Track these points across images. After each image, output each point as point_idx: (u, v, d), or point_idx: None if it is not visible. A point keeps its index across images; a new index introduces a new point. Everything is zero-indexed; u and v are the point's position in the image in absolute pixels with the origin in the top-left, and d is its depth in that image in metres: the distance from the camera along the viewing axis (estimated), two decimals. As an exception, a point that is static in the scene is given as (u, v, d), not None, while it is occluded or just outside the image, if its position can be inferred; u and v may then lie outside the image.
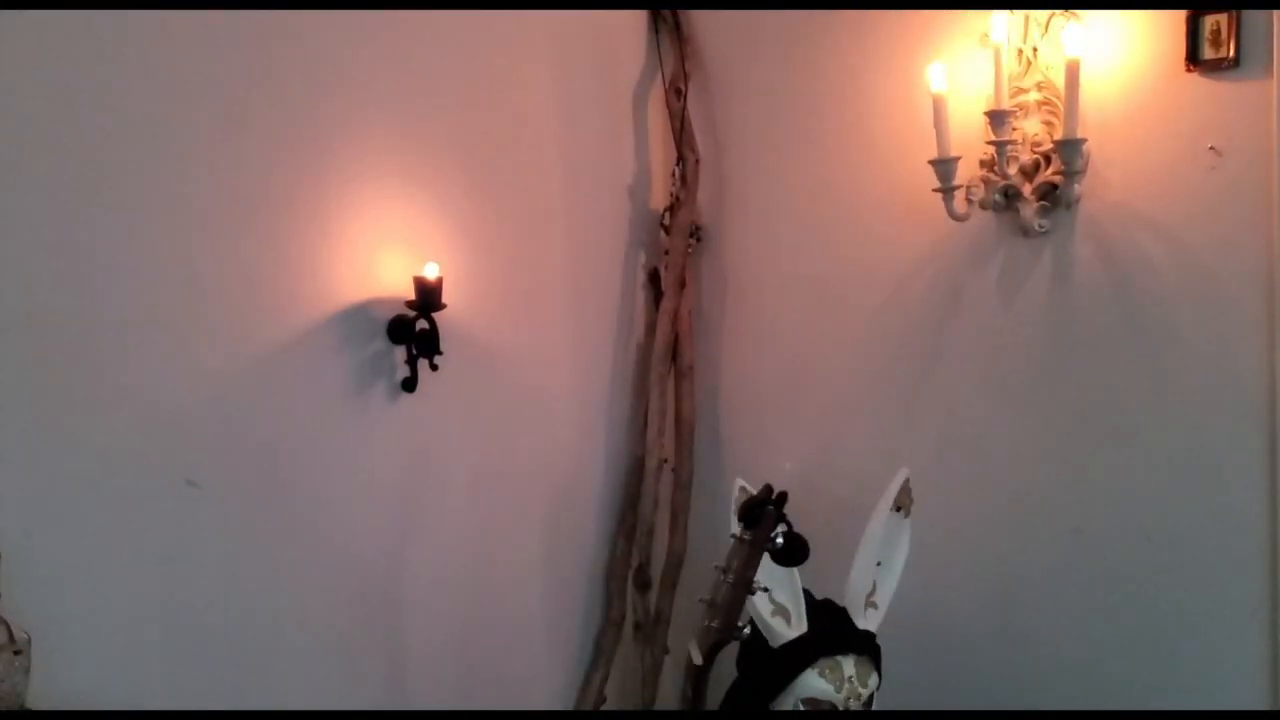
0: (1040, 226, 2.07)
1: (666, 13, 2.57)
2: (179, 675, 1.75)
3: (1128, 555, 2.02)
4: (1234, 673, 1.93)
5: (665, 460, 2.54)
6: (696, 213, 2.58)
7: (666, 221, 2.58)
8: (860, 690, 1.86)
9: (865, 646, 1.90)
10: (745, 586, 1.66)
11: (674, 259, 2.53)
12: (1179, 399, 1.96)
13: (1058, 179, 2.04)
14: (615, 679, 2.49)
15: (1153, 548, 2.00)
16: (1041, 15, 2.03)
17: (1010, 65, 2.05)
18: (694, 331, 2.59)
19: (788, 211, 2.46)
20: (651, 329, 2.56)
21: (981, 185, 2.11)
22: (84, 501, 1.64)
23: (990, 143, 2.04)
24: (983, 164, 2.11)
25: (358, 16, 1.98)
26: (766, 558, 1.69)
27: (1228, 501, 1.92)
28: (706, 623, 1.67)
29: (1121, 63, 1.98)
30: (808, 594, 1.93)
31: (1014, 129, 2.04)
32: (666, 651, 2.50)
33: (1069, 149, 1.97)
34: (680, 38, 2.57)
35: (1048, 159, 2.04)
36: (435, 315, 2.04)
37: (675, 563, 2.53)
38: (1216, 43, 1.87)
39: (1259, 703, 1.91)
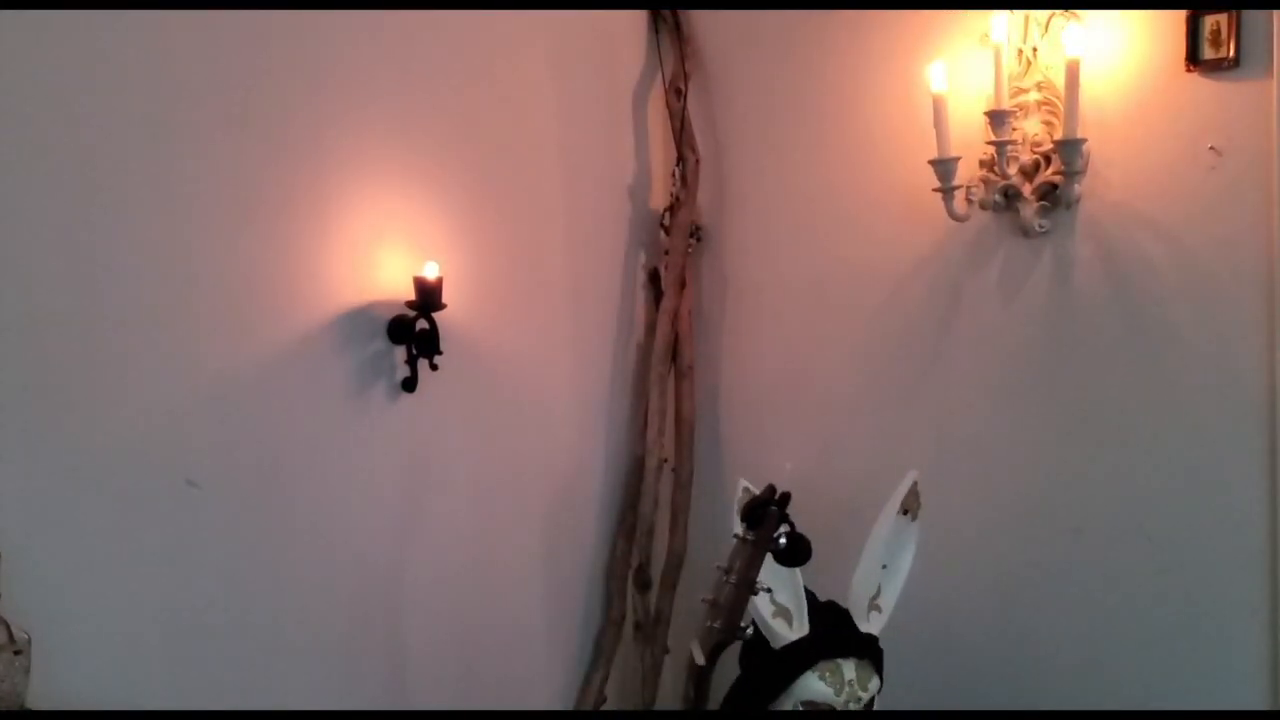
0: (1040, 226, 2.07)
1: (666, 13, 2.57)
2: (179, 675, 1.75)
3: (1128, 555, 2.02)
4: (1234, 673, 1.93)
5: (665, 460, 2.54)
6: (696, 213, 2.58)
7: (666, 221, 2.58)
8: (860, 694, 1.86)
9: (866, 650, 1.90)
10: (748, 587, 1.66)
11: (674, 259, 2.53)
12: (1179, 399, 1.96)
13: (1058, 179, 2.04)
14: (615, 679, 2.49)
15: (1153, 548, 2.00)
16: (1041, 15, 2.03)
17: (1010, 65, 2.05)
18: (694, 331, 2.59)
19: (788, 211, 2.46)
20: (651, 329, 2.56)
21: (981, 185, 2.11)
22: (84, 501, 1.64)
23: (990, 143, 2.04)
24: (983, 164, 2.11)
25: (358, 17, 1.98)
26: (769, 558, 1.69)
27: (1228, 501, 1.92)
28: (709, 623, 1.67)
29: (1121, 63, 1.98)
30: (811, 595, 1.92)
31: (1014, 129, 2.04)
32: (666, 651, 2.50)
33: (1069, 149, 1.97)
34: (680, 38, 2.57)
35: (1048, 159, 2.04)
36: (435, 315, 2.04)
37: (675, 563, 2.53)
38: (1216, 43, 1.87)
39: (1259, 703, 1.91)
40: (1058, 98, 2.01)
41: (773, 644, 1.87)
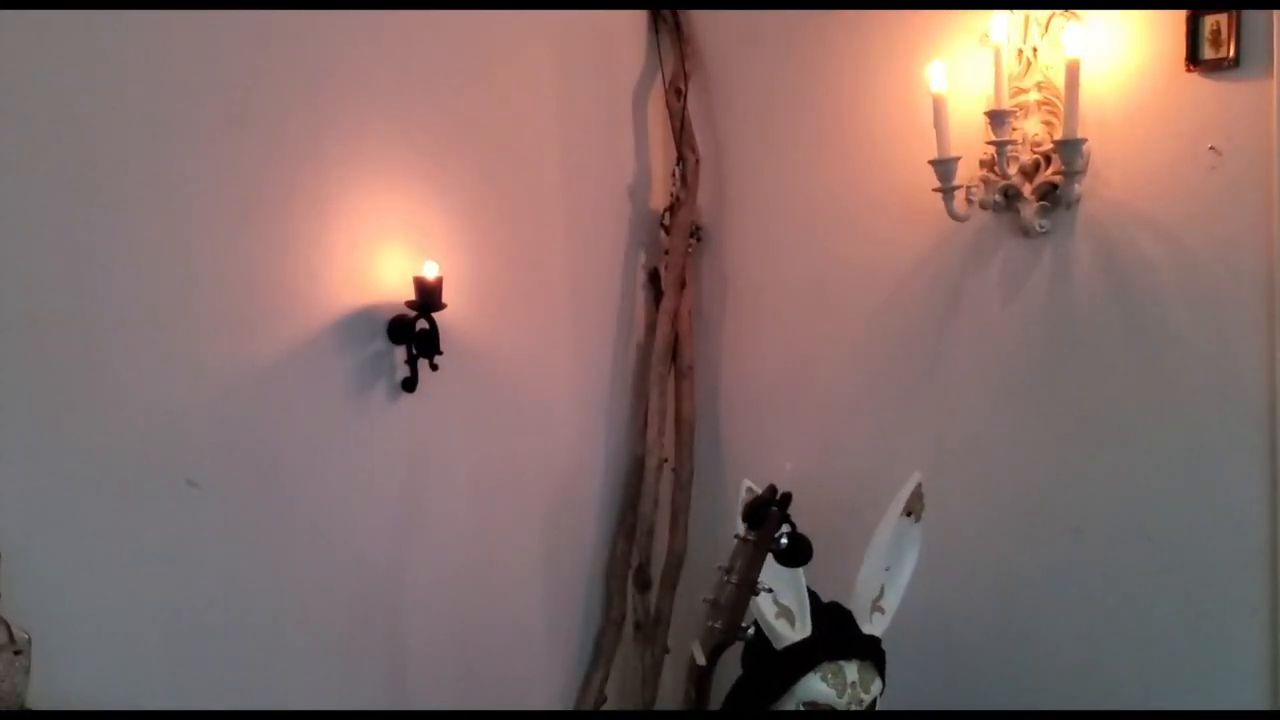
0: (1040, 226, 2.07)
1: (666, 13, 2.57)
2: (179, 675, 1.75)
3: (1128, 555, 2.02)
4: (1234, 673, 1.93)
5: (665, 460, 2.54)
6: (696, 213, 2.58)
7: (666, 221, 2.58)
8: (862, 696, 1.86)
9: (869, 652, 1.90)
10: (749, 587, 1.66)
11: (674, 259, 2.53)
12: (1179, 399, 1.96)
13: (1058, 179, 2.04)
14: (615, 679, 2.49)
15: (1153, 548, 2.00)
16: (1041, 15, 2.03)
17: (1010, 65, 2.05)
18: (694, 331, 2.59)
19: (788, 211, 2.46)
20: (651, 329, 2.56)
21: (981, 185, 2.11)
22: (84, 501, 1.64)
23: (990, 143, 2.04)
24: (983, 164, 2.11)
25: (358, 17, 1.98)
26: (769, 558, 1.68)
27: (1228, 501, 1.92)
28: (710, 623, 1.67)
29: (1121, 63, 1.98)
30: (814, 596, 1.92)
31: (1014, 129, 2.04)
32: (667, 651, 2.50)
33: (1069, 149, 1.97)
34: (680, 38, 2.57)
35: (1048, 159, 2.04)
36: (435, 315, 2.04)
37: (675, 563, 2.53)
38: (1216, 43, 1.87)
39: (1259, 703, 1.91)
40: (1058, 98, 2.01)
41: (775, 645, 1.87)
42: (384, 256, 2.03)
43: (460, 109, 2.19)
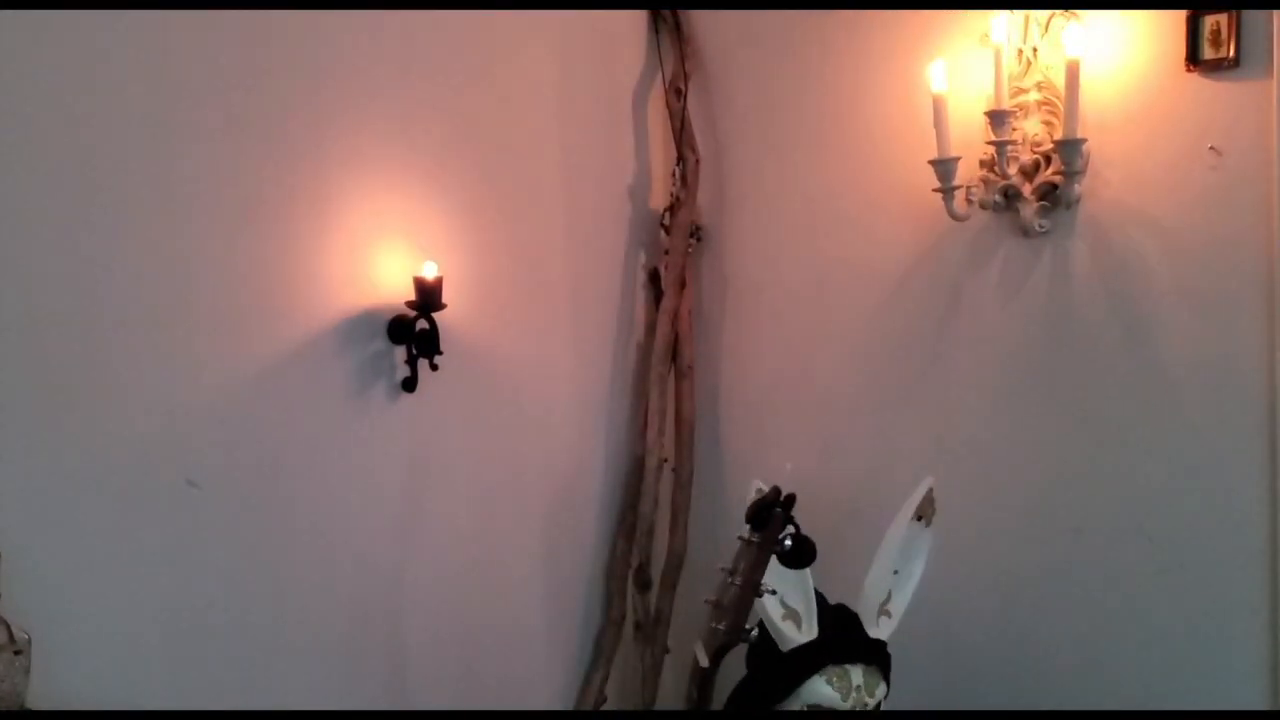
0: (1040, 226, 2.07)
1: (666, 13, 2.57)
2: (179, 675, 1.75)
3: (1128, 555, 2.02)
4: (1234, 673, 1.93)
5: (665, 460, 2.54)
6: (696, 213, 2.58)
7: (666, 221, 2.58)
8: (867, 700, 1.86)
9: (875, 656, 1.89)
10: (753, 589, 1.65)
11: (674, 259, 2.53)
12: (1179, 399, 1.96)
13: (1058, 179, 2.04)
14: (615, 679, 2.49)
15: (1153, 548, 2.00)
16: (1041, 15, 2.03)
17: (1010, 65, 2.05)
18: (694, 331, 2.59)
19: (788, 211, 2.46)
20: (651, 329, 2.56)
21: (981, 185, 2.11)
22: (84, 501, 1.64)
23: (990, 143, 2.04)
24: (983, 164, 2.11)
25: (358, 17, 1.98)
26: (773, 560, 1.68)
27: (1228, 501, 1.92)
28: (713, 625, 1.67)
29: (1121, 63, 1.97)
30: (821, 597, 1.91)
31: (1014, 129, 2.04)
32: (667, 651, 2.50)
33: (1069, 149, 1.97)
34: (680, 38, 2.57)
35: (1048, 159, 2.04)
36: (435, 315, 2.04)
37: (675, 562, 2.53)
38: (1216, 43, 1.87)
39: (1259, 703, 1.90)
40: (1058, 98, 2.01)
41: (781, 646, 1.86)
42: (384, 256, 2.03)
43: (460, 109, 2.19)
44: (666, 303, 2.53)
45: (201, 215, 1.77)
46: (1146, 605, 2.01)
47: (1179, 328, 1.95)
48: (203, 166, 1.77)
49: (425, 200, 2.12)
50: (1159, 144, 1.95)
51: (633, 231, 2.56)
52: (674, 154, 2.57)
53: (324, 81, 1.94)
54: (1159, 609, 2.00)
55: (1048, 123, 2.04)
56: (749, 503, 1.86)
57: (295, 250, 1.91)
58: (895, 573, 1.94)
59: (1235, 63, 1.86)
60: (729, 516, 2.56)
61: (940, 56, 2.09)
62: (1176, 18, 1.91)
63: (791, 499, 1.68)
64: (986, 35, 2.05)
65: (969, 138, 2.09)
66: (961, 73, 2.11)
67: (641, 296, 2.60)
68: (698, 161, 2.57)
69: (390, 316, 2.04)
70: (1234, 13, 1.85)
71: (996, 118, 2.01)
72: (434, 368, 2.07)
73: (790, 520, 1.67)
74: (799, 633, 1.87)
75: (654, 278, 2.59)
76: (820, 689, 1.84)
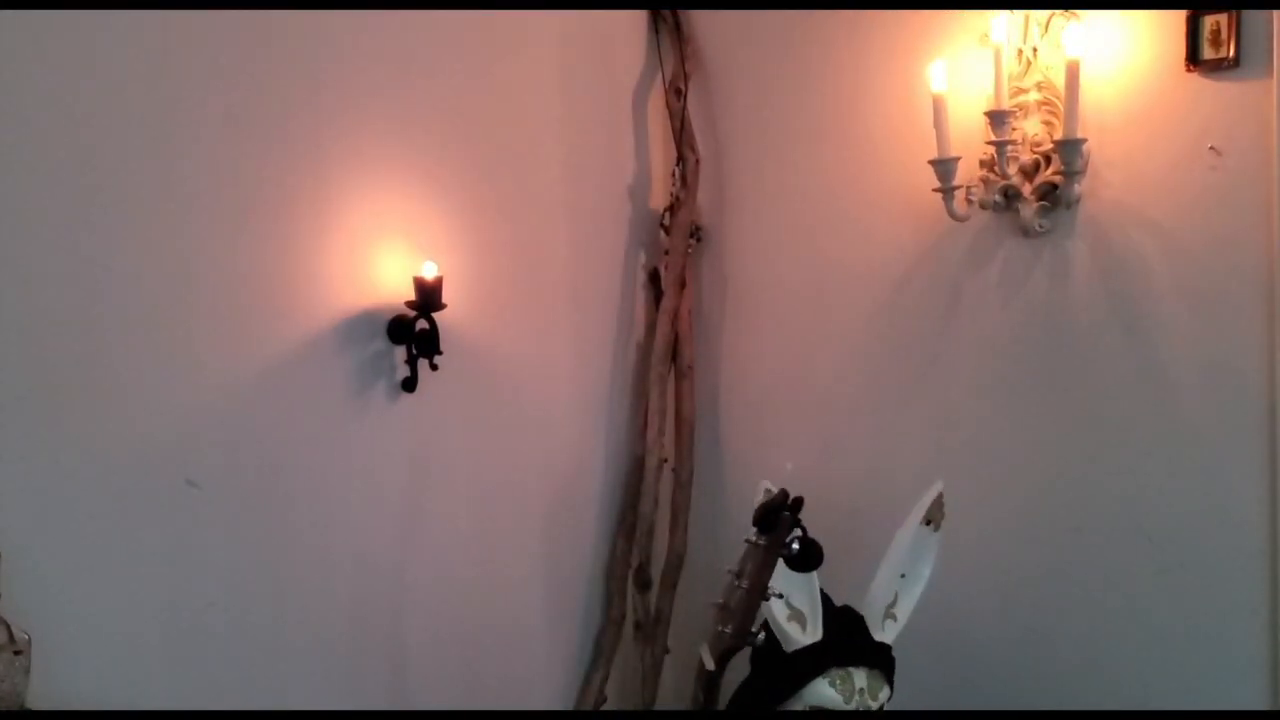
0: (1040, 226, 2.07)
1: (666, 13, 2.57)
2: (179, 675, 1.75)
3: (1128, 555, 2.02)
4: (1234, 673, 1.93)
5: (665, 460, 2.54)
6: (696, 213, 2.58)
7: (666, 221, 2.58)
8: (870, 703, 1.85)
9: (879, 660, 1.89)
10: (759, 592, 1.65)
11: (674, 259, 2.53)
12: (1179, 398, 1.96)
13: (1058, 179, 2.04)
14: (615, 679, 2.49)
15: (1153, 548, 2.00)
16: (1041, 15, 2.03)
17: (1010, 65, 2.05)
18: (694, 331, 2.59)
19: (788, 211, 2.46)
20: (651, 329, 2.56)
21: (981, 185, 2.11)
22: (84, 501, 1.64)
23: (990, 143, 2.04)
24: (983, 164, 2.11)
25: (358, 17, 1.98)
26: (779, 563, 1.67)
27: (1228, 501, 1.92)
28: (719, 628, 1.66)
29: (1121, 63, 1.97)
30: (826, 599, 1.91)
31: (1014, 129, 2.04)
32: (667, 651, 2.50)
33: (1069, 149, 1.97)
34: (680, 38, 2.57)
35: (1048, 159, 2.04)
36: (435, 315, 2.04)
37: (675, 562, 2.53)
38: (1216, 43, 1.87)
39: (1259, 703, 1.90)
40: (1058, 98, 2.01)
41: (785, 647, 1.86)
42: (384, 256, 2.03)
43: (460, 109, 2.19)
44: (666, 303, 2.53)
45: (201, 215, 1.78)
46: (1146, 605, 2.01)
47: (1179, 328, 1.95)
48: (203, 166, 1.78)
49: (425, 200, 2.12)
50: (1159, 144, 1.95)
51: (633, 231, 2.56)
52: (674, 154, 2.57)
53: (324, 81, 1.94)
54: (1159, 609, 2.00)
55: (1048, 123, 2.04)
56: (756, 504, 1.86)
57: (295, 250, 1.91)
58: (902, 576, 1.94)
59: (1235, 63, 1.86)
60: (729, 516, 2.56)
61: (940, 56, 2.09)
62: (1176, 18, 1.91)
63: (799, 502, 1.66)
64: (986, 35, 2.05)
65: (969, 138, 2.09)
66: (961, 73, 2.11)
67: (641, 296, 2.60)
68: (698, 161, 2.57)
69: (390, 316, 2.04)
70: (1234, 13, 1.85)
71: (996, 118, 2.01)
72: (434, 368, 2.07)
73: (798, 523, 1.66)
74: (803, 634, 1.86)
75: (654, 278, 2.59)
76: (823, 691, 1.84)
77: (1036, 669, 2.14)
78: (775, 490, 1.80)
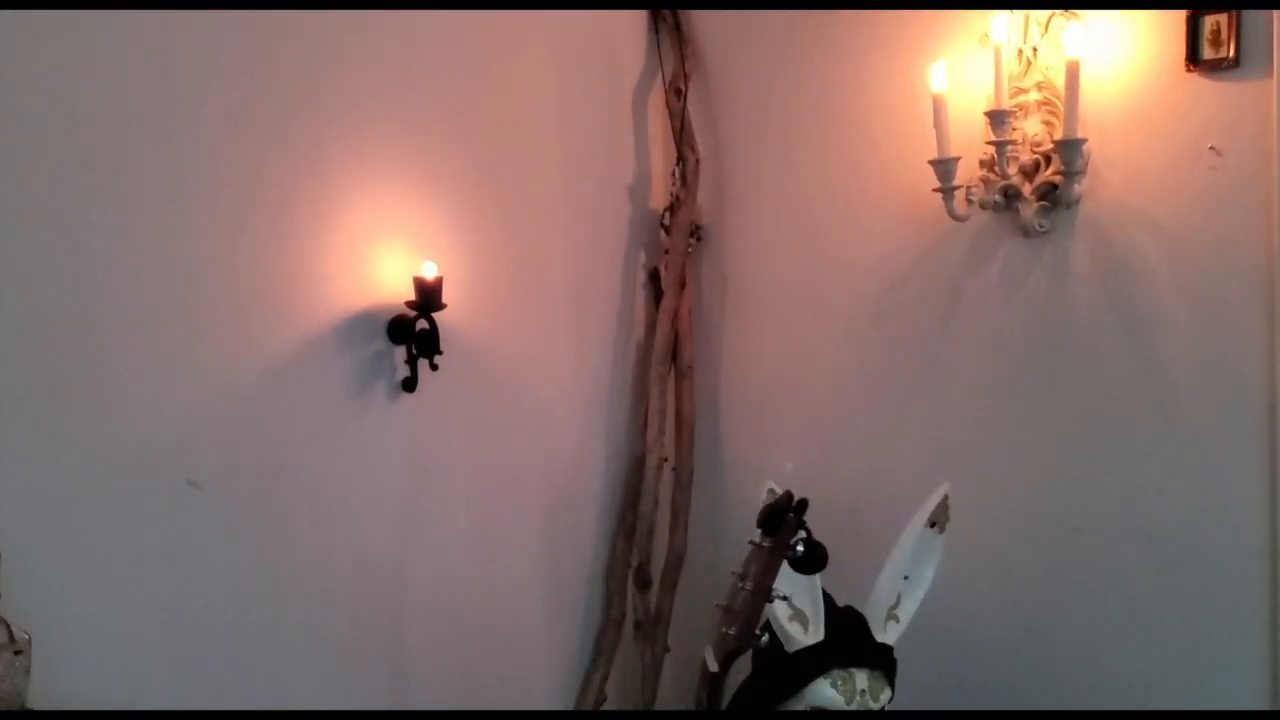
0: (1040, 226, 2.07)
1: (666, 13, 2.57)
2: (179, 675, 1.75)
3: (1128, 555, 2.02)
4: (1234, 673, 1.93)
5: (665, 459, 2.54)
6: (696, 213, 2.58)
7: (666, 221, 2.58)
8: (871, 704, 1.85)
9: (880, 661, 1.89)
10: (764, 594, 1.64)
11: (674, 259, 2.53)
12: (1179, 398, 1.96)
13: (1058, 179, 2.04)
14: (615, 678, 2.49)
15: (1153, 548, 2.00)
16: (1042, 15, 2.03)
17: (1010, 65, 2.05)
18: (694, 331, 2.59)
19: (788, 211, 2.46)
20: (651, 329, 2.56)
21: (981, 185, 2.11)
22: (84, 501, 1.64)
23: (990, 143, 2.04)
24: (983, 164, 2.11)
25: (358, 17, 1.98)
26: (784, 565, 1.67)
27: (1228, 501, 1.92)
28: (723, 630, 1.65)
29: (1121, 63, 1.98)
30: (829, 599, 1.91)
31: (1014, 129, 2.04)
32: (667, 650, 2.50)
33: (1069, 149, 1.97)
34: (680, 38, 2.57)
35: (1048, 159, 2.04)
36: (435, 315, 2.04)
37: (675, 562, 2.53)
38: (1216, 43, 1.87)
39: (1259, 703, 1.91)
40: (1058, 98, 2.01)
41: (787, 647, 1.86)
42: (384, 257, 2.03)
43: (460, 109, 2.19)
44: (666, 303, 2.53)
45: (201, 215, 1.77)
46: (1146, 605, 2.01)
47: (1179, 328, 1.95)
48: (203, 166, 1.77)
49: (425, 200, 2.11)
50: (1159, 144, 1.95)
51: (633, 231, 2.56)
52: (674, 154, 2.57)
53: (324, 81, 1.94)
54: (1159, 609, 2.00)
55: (1048, 123, 2.04)
56: (761, 504, 1.86)
57: (295, 250, 1.90)
58: (905, 578, 1.94)
59: (1235, 63, 1.86)
60: (729, 516, 2.56)
61: (940, 56, 2.09)
62: (1176, 18, 1.91)
63: (804, 504, 1.66)
64: (986, 35, 2.05)
65: (969, 138, 2.09)
66: (961, 73, 2.11)
67: (641, 296, 2.60)
68: (698, 161, 2.57)
69: (390, 316, 2.04)
70: (1234, 13, 1.85)
71: (996, 118, 2.01)
72: (434, 368, 2.07)
73: (802, 525, 1.66)
74: (805, 635, 1.86)
75: (654, 278, 2.59)
76: (824, 692, 1.84)
77: (1036, 669, 2.14)
78: (779, 490, 1.80)
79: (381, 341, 2.04)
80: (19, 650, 1.49)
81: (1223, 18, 1.86)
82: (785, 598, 1.77)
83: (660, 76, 2.59)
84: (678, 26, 2.57)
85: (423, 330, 2.04)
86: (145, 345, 1.70)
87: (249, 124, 1.83)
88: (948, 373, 2.24)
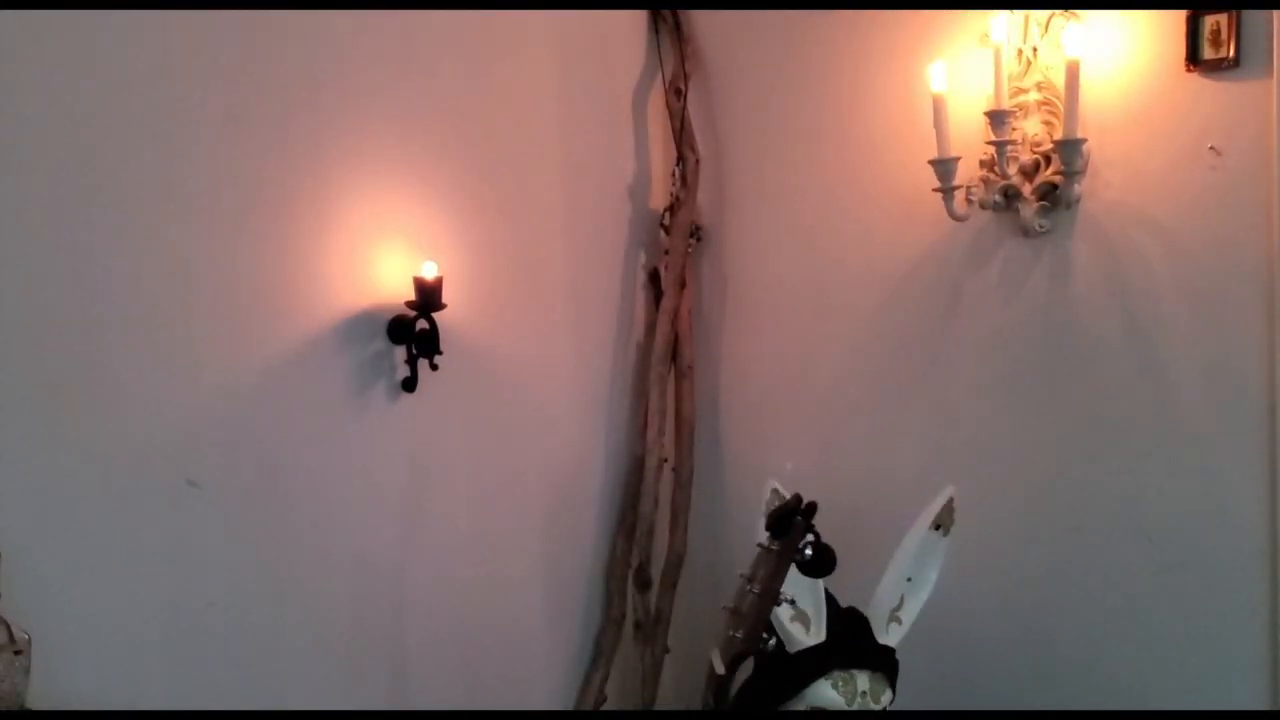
0: (1040, 226, 2.07)
1: (666, 13, 2.57)
2: (179, 675, 1.75)
3: (1128, 555, 2.02)
4: (1234, 673, 1.93)
5: (665, 459, 2.54)
6: (696, 213, 2.58)
7: (666, 221, 2.58)
8: (872, 705, 1.85)
9: (882, 663, 1.89)
10: (771, 597, 1.64)
11: (674, 259, 2.53)
12: (1179, 398, 1.96)
13: (1058, 179, 2.04)
14: (615, 678, 2.49)
15: (1153, 548, 2.00)
16: (1041, 15, 2.03)
17: (1010, 65, 2.05)
18: (694, 331, 2.59)
19: (788, 211, 2.46)
20: (651, 329, 2.56)
21: (981, 185, 2.11)
22: (84, 501, 1.64)
23: (990, 143, 2.04)
24: (983, 164, 2.11)
25: (358, 17, 1.98)
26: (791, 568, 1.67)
27: (1228, 501, 1.92)
28: (730, 632, 1.65)
29: (1121, 63, 1.97)
30: (832, 599, 1.91)
31: (1014, 129, 2.04)
32: (667, 651, 2.50)
33: (1069, 149, 1.97)
34: (680, 38, 2.57)
35: (1048, 159, 2.04)
36: (435, 315, 2.04)
37: (675, 562, 2.53)
38: (1216, 43, 1.87)
39: (1259, 703, 1.90)
40: (1058, 98, 2.01)
41: (788, 648, 1.86)
42: (384, 256, 2.03)
43: (460, 109, 2.19)
44: (666, 303, 2.53)
45: (201, 215, 1.78)
46: (1146, 605, 2.01)
47: (1179, 328, 1.95)
48: (203, 166, 1.78)
49: (425, 200, 2.12)
50: (1159, 144, 1.95)
51: (633, 231, 2.56)
52: (674, 154, 2.57)
53: (324, 81, 1.94)
54: (1159, 609, 2.00)
55: (1048, 123, 2.04)
56: (766, 505, 1.85)
57: (295, 250, 1.91)
58: (909, 580, 1.93)
59: (1235, 63, 1.86)
60: (729, 516, 2.57)
61: (940, 57, 2.09)
62: (1176, 18, 1.90)
63: (813, 507, 1.65)
64: (986, 35, 2.05)
65: (969, 138, 2.09)
66: (961, 73, 2.11)
67: (641, 296, 2.60)
68: (698, 161, 2.57)
69: (390, 316, 2.04)
70: (1234, 13, 1.85)
71: (996, 118, 2.01)
72: (434, 368, 2.07)
73: (810, 528, 1.65)
74: (807, 635, 1.86)
75: (654, 278, 2.59)
76: (825, 693, 1.83)
77: (1036, 669, 2.14)
78: (783, 490, 1.79)
79: (381, 341, 2.04)
80: (19, 650, 1.49)
81: (1223, 18, 1.86)
82: (792, 601, 1.77)
83: (660, 76, 2.59)
84: (678, 26, 2.57)
85: (423, 330, 2.04)
86: (145, 345, 1.71)
87: (249, 124, 1.83)
88: (948, 373, 2.24)
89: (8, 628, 1.49)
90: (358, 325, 2.00)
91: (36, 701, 1.52)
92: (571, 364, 2.44)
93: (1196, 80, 1.90)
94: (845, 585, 1.95)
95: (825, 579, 1.88)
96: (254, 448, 1.85)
